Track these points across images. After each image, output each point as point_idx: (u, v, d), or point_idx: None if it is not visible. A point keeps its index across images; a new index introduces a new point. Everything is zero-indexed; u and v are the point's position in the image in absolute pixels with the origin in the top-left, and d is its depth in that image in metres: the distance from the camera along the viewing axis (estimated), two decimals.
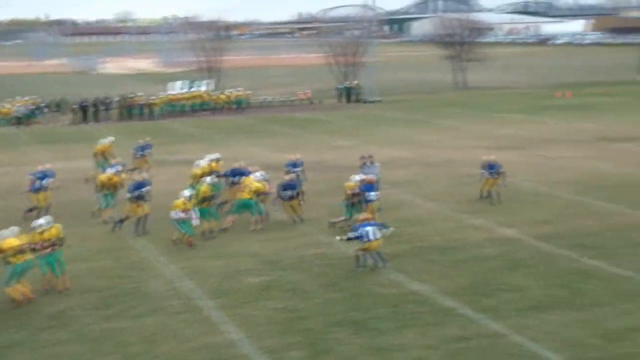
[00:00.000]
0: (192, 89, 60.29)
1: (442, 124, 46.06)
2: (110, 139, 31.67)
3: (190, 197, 21.17)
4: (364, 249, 18.43)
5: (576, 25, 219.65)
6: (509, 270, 18.36)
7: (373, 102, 61.77)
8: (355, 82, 65.35)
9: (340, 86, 65.46)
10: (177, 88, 60.96)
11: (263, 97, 63.31)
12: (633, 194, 25.40)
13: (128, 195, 22.46)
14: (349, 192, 22.01)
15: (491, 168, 24.35)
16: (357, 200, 21.83)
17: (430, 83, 74.67)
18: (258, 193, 22.55)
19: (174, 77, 71.44)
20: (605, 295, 16.52)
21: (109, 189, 23.98)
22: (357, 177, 22.24)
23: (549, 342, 14.29)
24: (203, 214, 21.54)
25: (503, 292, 16.92)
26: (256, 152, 37.05)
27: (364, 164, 25.08)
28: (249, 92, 60.76)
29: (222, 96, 59.11)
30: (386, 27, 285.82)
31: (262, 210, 22.81)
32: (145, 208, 22.44)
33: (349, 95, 63.91)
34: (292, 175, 23.78)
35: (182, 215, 20.67)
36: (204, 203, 21.79)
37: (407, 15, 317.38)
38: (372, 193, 21.62)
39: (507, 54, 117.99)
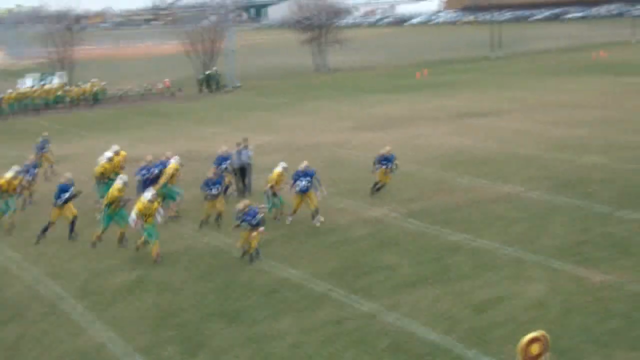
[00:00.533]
0: (44, 83, 57.97)
1: (306, 107, 46.18)
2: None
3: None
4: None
5: (431, 5, 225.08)
6: (380, 249, 18.51)
7: (234, 88, 61.33)
8: (215, 69, 64.65)
9: (201, 74, 64.64)
10: (27, 83, 58.46)
11: (120, 88, 61.64)
12: (493, 168, 26.17)
13: (57, 202, 20.65)
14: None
15: (386, 160, 23.19)
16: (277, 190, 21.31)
17: (292, 67, 74.86)
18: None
19: (23, 72, 68.66)
20: (472, 268, 16.89)
21: (9, 193, 22.30)
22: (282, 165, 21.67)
23: (422, 318, 14.47)
24: (110, 218, 19.97)
25: (375, 271, 17.03)
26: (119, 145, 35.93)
27: (239, 149, 24.91)
28: (104, 83, 58.93)
29: (77, 89, 57.11)
30: (244, 13, 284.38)
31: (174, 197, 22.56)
32: (72, 211, 21.00)
33: (210, 83, 63.17)
34: (218, 171, 22.43)
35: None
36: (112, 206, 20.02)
37: (265, 0, 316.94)
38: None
39: (365, 35, 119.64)
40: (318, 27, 75.93)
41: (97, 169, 23.89)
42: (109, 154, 24.51)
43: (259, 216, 17.95)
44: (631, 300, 14.57)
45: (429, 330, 13.97)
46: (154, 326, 14.82)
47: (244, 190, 24.69)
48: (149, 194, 18.66)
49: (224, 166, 23.70)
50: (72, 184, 21.00)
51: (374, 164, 23.22)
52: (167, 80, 63.25)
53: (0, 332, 14.95)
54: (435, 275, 16.61)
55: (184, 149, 33.88)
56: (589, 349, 12.76)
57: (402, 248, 18.49)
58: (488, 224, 19.96)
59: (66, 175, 21.54)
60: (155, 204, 18.61)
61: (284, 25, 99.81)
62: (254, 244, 17.97)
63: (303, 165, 21.01)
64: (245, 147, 24.99)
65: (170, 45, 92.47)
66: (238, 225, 18.22)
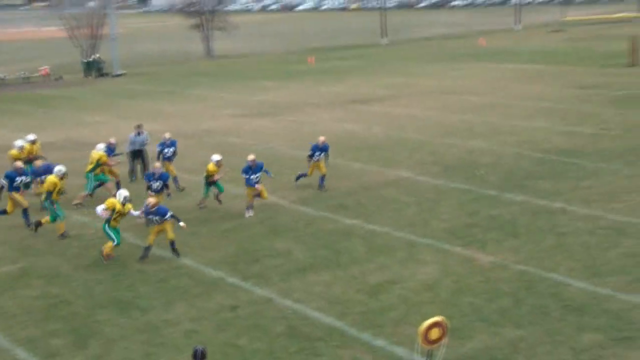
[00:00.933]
0: None
1: (193, 94, 45.59)
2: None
3: None
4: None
5: None
6: (273, 235, 18.44)
7: (118, 75, 59.99)
8: (97, 55, 63.07)
9: (84, 60, 62.96)
10: None
11: None
12: (383, 154, 26.47)
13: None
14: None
15: (321, 151, 22.11)
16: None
17: (177, 53, 73.77)
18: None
19: None
20: (364, 252, 17.04)
21: None
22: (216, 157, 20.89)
23: (315, 302, 14.50)
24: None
25: (268, 257, 16.96)
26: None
27: (137, 133, 24.92)
28: None
29: None
30: None
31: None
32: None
33: (92, 69, 61.63)
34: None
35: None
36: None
37: None
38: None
39: (254, 21, 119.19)
40: (203, 13, 74.96)
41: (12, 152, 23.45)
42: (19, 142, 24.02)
43: (169, 213, 17.31)
44: (518, 280, 14.99)
45: (323, 314, 14.02)
46: (40, 318, 14.32)
47: (133, 174, 24.77)
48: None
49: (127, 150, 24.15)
50: None
51: (310, 155, 22.12)
52: (45, 67, 61.27)
53: None
54: (328, 260, 16.67)
55: (65, 136, 33.00)
56: (479, 327, 13.06)
57: (295, 234, 18.47)
58: (380, 208, 20.18)
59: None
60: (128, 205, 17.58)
61: (170, 10, 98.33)
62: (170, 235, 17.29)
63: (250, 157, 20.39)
64: (140, 132, 24.96)
65: (51, 30, 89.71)
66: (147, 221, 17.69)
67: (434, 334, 11.21)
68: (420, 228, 18.42)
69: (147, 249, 17.21)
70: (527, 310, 13.57)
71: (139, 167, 24.98)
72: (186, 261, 16.98)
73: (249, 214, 20.17)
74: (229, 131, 32.33)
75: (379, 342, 12.84)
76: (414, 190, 21.62)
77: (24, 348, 13.17)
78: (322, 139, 22.32)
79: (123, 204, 17.23)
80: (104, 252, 17.15)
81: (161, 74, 60.30)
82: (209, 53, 73.49)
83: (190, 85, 50.45)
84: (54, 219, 19.06)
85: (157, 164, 20.88)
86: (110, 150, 23.29)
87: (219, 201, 21.07)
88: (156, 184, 19.71)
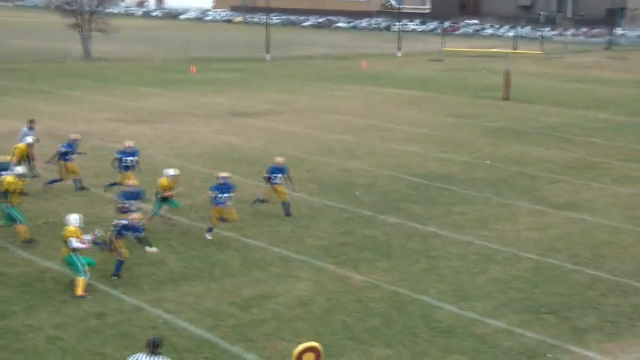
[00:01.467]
0: None
1: (68, 95, 44.23)
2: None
3: None
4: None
5: (204, 2, 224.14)
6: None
7: None
8: None
9: None
10: None
11: None
12: (262, 168, 26.26)
13: None
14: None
15: (279, 172, 20.65)
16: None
17: (53, 52, 71.43)
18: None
19: None
20: (239, 265, 16.91)
21: None
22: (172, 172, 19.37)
23: (187, 313, 14.28)
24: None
25: (141, 266, 16.58)
26: None
27: (30, 127, 24.37)
28: None
29: None
30: None
31: None
32: None
33: None
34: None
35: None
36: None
37: None
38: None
39: (136, 26, 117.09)
40: (83, 13, 72.92)
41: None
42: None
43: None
44: (389, 300, 15.20)
45: (194, 326, 13.80)
46: None
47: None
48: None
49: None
50: None
51: (267, 177, 20.63)
52: None
53: None
54: (202, 271, 16.46)
55: None
56: (349, 345, 13.15)
57: (169, 243, 18.13)
58: (257, 223, 20.07)
59: None
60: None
61: (47, 7, 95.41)
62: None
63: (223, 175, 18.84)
64: (32, 127, 24.54)
65: None
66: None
67: (308, 358, 11.17)
68: (295, 244, 18.44)
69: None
70: (397, 330, 13.76)
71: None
72: (52, 265, 16.38)
73: (209, 237, 18.51)
74: (106, 136, 31.52)
75: (250, 356, 12.74)
76: (291, 207, 21.61)
77: None
78: (280, 160, 20.99)
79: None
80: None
81: (35, 72, 58.22)
82: (87, 55, 71.56)
83: (66, 86, 48.92)
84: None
85: (133, 181, 19.28)
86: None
87: (171, 221, 19.60)
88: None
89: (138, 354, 10.37)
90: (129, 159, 21.93)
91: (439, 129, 35.53)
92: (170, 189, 19.14)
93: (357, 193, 23.40)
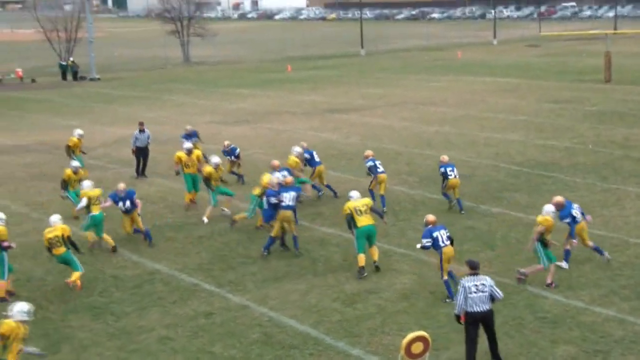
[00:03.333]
0: None
1: (169, 100, 45.35)
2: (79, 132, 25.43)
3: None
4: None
5: (297, 1, 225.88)
6: (249, 243, 18.36)
7: (94, 79, 59.59)
8: (71, 59, 62.62)
9: (62, 63, 62.52)
10: None
11: None
12: (360, 163, 26.38)
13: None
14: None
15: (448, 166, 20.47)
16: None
17: (154, 59, 73.41)
18: None
19: None
20: (341, 260, 17.01)
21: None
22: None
23: (291, 310, 14.46)
24: None
25: (244, 265, 16.89)
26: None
27: (140, 130, 25.55)
28: None
29: None
30: (104, 2, 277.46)
31: None
32: None
33: (67, 73, 61.26)
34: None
35: None
36: None
37: None
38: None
39: (233, 28, 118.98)
40: (181, 19, 74.74)
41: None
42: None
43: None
44: None
45: (299, 322, 13.96)
46: None
47: (143, 172, 25.43)
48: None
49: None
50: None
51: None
52: (19, 70, 60.95)
53: None
54: (304, 268, 16.62)
55: (38, 140, 32.74)
56: (455, 338, 13.03)
57: None
58: None
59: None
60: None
61: (148, 15, 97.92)
62: None
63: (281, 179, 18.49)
64: (143, 129, 25.59)
65: (26, 33, 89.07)
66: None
67: (417, 348, 11.20)
68: (396, 238, 18.42)
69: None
70: (503, 321, 13.57)
71: (140, 165, 25.67)
72: (161, 267, 16.85)
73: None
74: (207, 138, 32.13)
75: (355, 351, 12.80)
76: (390, 200, 21.57)
77: None
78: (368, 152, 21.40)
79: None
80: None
81: (138, 79, 59.97)
82: (186, 59, 73.24)
83: (167, 91, 50.20)
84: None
85: (121, 185, 18.90)
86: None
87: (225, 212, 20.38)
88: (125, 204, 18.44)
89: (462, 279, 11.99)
90: (227, 158, 23.73)
91: (538, 116, 34.84)
92: (216, 176, 20.16)
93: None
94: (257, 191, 18.75)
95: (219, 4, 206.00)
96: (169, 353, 12.92)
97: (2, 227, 15.50)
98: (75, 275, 15.66)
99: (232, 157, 24.15)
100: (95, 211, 17.82)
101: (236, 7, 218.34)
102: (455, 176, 20.35)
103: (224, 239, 18.67)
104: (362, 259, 15.94)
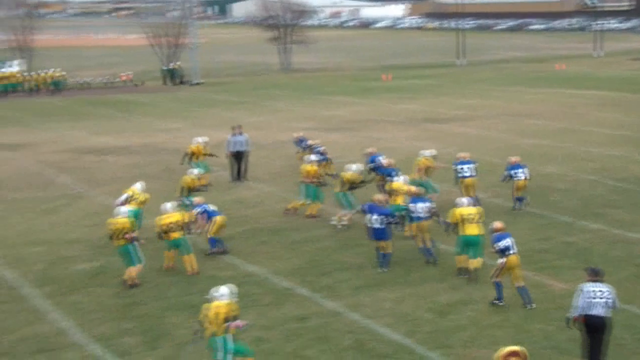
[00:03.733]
0: (2, 69, 57.11)
1: (268, 106, 46.02)
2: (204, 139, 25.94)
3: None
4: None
5: (396, 10, 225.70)
6: (343, 249, 18.51)
7: (197, 84, 61.00)
8: (177, 63, 64.29)
9: (164, 68, 64.27)
10: None
11: (81, 78, 61.24)
12: (451, 175, 26.28)
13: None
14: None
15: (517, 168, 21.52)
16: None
17: (254, 65, 74.64)
18: None
19: None
20: (436, 271, 16.97)
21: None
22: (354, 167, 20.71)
23: (384, 318, 14.50)
24: None
25: (338, 271, 17.03)
26: (76, 136, 35.62)
27: (235, 134, 25.66)
28: (64, 72, 58.21)
29: (37, 77, 56.27)
30: (208, 8, 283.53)
31: None
32: None
33: (172, 77, 62.93)
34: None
35: None
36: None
37: None
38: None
39: (331, 36, 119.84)
40: (282, 26, 75.81)
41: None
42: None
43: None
44: None
45: (392, 330, 14.00)
46: (114, 316, 14.66)
47: (239, 176, 25.43)
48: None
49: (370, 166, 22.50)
50: None
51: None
52: (127, 73, 63.07)
53: None
54: (398, 276, 16.65)
55: (142, 141, 33.67)
56: (550, 354, 12.88)
57: (366, 249, 18.44)
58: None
59: None
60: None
61: (248, 22, 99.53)
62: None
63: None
64: (240, 133, 25.67)
65: (134, 38, 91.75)
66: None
67: None
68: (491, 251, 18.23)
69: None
70: None
71: (235, 169, 25.64)
72: (256, 270, 17.15)
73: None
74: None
75: None
76: (486, 213, 21.36)
77: (98, 344, 13.49)
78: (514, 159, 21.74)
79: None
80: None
81: (238, 84, 61.07)
82: (285, 66, 74.20)
83: (266, 97, 50.99)
84: None
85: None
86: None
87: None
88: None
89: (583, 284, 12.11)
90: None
91: None
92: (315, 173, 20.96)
93: (552, 199, 22.80)
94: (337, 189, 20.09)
95: (319, 12, 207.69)
96: (264, 354, 13.14)
97: (127, 219, 16.25)
98: (191, 259, 16.75)
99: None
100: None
101: (335, 15, 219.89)
102: (525, 178, 21.15)
103: (318, 245, 18.87)
104: (460, 260, 16.34)
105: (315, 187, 21.14)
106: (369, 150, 23.44)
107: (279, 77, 67.23)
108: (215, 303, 12.00)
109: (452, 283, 16.18)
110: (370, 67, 74.23)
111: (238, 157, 25.68)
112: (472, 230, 16.19)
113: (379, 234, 17.00)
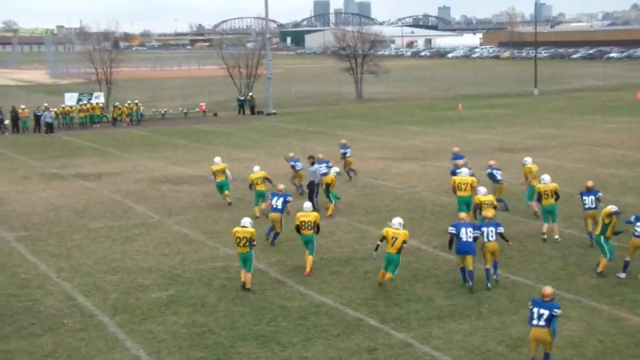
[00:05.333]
0: (83, 102, 58.81)
1: (341, 135, 46.10)
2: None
3: None
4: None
5: (472, 39, 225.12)
6: (414, 280, 18.41)
7: (270, 114, 61.71)
8: (250, 94, 65.23)
9: (240, 98, 65.27)
10: (70, 100, 59.58)
11: (159, 109, 62.67)
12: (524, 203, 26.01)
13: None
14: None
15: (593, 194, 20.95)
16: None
17: (328, 95, 75.12)
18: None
19: (65, 89, 69.88)
20: (507, 303, 16.75)
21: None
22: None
23: (454, 351, 14.35)
24: None
25: (408, 302, 16.94)
26: (154, 166, 36.35)
27: (312, 163, 26.10)
28: (140, 104, 59.68)
29: (119, 108, 57.77)
30: (283, 40, 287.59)
31: None
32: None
33: (244, 107, 63.90)
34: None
35: None
36: None
37: (304, 27, 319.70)
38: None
39: (405, 66, 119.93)
40: (356, 56, 76.28)
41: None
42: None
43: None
44: None
45: None
46: (186, 345, 14.85)
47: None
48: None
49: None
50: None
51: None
52: (202, 104, 64.34)
53: (37, 342, 15.08)
54: (469, 308, 16.48)
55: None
56: None
57: (437, 280, 18.39)
58: (526, 259, 19.82)
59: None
60: None
61: (323, 53, 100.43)
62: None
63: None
64: (312, 163, 26.01)
65: (210, 69, 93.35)
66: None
67: None
68: (565, 282, 17.95)
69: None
70: None
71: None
72: (326, 300, 17.19)
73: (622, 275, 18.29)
74: (376, 173, 32.63)
75: None
76: (560, 244, 21.09)
77: None
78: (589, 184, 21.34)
79: None
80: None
81: (312, 114, 61.54)
82: (359, 96, 74.51)
83: (340, 126, 51.22)
84: None
85: (281, 186, 22.35)
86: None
87: None
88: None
89: None
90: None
91: None
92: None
93: (631, 230, 22.22)
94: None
95: (393, 42, 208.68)
96: None
97: (253, 229, 18.04)
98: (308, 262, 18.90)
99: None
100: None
101: (410, 45, 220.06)
102: (594, 207, 20.56)
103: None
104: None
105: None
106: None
107: (352, 107, 67.51)
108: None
109: (524, 316, 15.89)
110: (444, 97, 74.00)
111: (311, 186, 25.78)
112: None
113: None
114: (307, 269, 18.99)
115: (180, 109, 64.15)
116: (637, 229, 18.17)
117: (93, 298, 17.57)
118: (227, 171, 26.99)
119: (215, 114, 62.63)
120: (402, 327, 15.56)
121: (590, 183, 21.41)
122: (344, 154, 31.28)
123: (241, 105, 64.37)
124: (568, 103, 64.30)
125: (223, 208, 26.56)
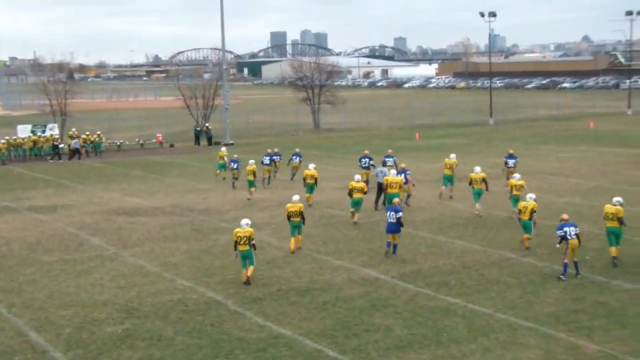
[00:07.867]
0: (38, 134, 58.12)
1: (301, 167, 46.06)
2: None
3: None
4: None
5: (428, 69, 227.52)
6: (372, 310, 18.34)
7: (227, 144, 61.56)
8: (207, 125, 65.12)
9: (197, 128, 65.09)
10: (22, 132, 58.82)
11: (114, 140, 62.24)
12: (486, 233, 26.19)
13: None
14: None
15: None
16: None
17: (286, 125, 75.24)
18: None
19: (17, 121, 69.07)
20: (465, 332, 16.75)
21: None
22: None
23: None
24: None
25: (367, 332, 16.86)
26: (111, 197, 35.95)
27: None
28: (102, 135, 59.24)
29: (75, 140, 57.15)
30: (240, 70, 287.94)
31: None
32: None
33: (200, 138, 63.79)
34: None
35: None
36: None
37: (261, 58, 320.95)
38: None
39: (362, 96, 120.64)
40: (312, 87, 76.67)
41: None
42: None
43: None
44: None
45: None
46: None
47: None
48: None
49: None
50: None
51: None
52: (159, 135, 64.04)
53: None
54: (428, 337, 16.44)
55: (173, 202, 33.86)
56: None
57: (395, 309, 18.33)
58: (483, 288, 19.87)
59: None
60: None
61: (280, 83, 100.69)
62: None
63: None
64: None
65: (167, 100, 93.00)
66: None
67: None
68: (523, 311, 18.01)
69: None
70: None
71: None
72: (285, 331, 17.04)
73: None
74: (334, 203, 32.62)
75: None
76: (518, 272, 21.22)
77: None
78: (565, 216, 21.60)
79: None
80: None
81: (269, 144, 61.28)
82: (316, 126, 74.75)
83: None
84: None
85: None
86: None
87: None
88: None
89: None
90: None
91: None
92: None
93: (587, 257, 22.51)
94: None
95: (350, 72, 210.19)
96: None
97: (251, 229, 20.51)
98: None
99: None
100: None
101: (366, 75, 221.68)
102: (575, 237, 20.79)
103: (348, 306, 18.72)
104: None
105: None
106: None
107: (310, 137, 67.65)
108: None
109: (482, 344, 15.94)
110: (401, 127, 74.47)
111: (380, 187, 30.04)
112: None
113: None
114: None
115: (137, 140, 63.82)
116: (570, 233, 20.64)
117: (45, 334, 17.19)
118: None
119: (172, 145, 62.38)
120: (361, 357, 15.46)
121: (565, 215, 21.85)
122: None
123: (198, 136, 64.22)
124: (523, 132, 65.14)
125: (180, 240, 26.30)
